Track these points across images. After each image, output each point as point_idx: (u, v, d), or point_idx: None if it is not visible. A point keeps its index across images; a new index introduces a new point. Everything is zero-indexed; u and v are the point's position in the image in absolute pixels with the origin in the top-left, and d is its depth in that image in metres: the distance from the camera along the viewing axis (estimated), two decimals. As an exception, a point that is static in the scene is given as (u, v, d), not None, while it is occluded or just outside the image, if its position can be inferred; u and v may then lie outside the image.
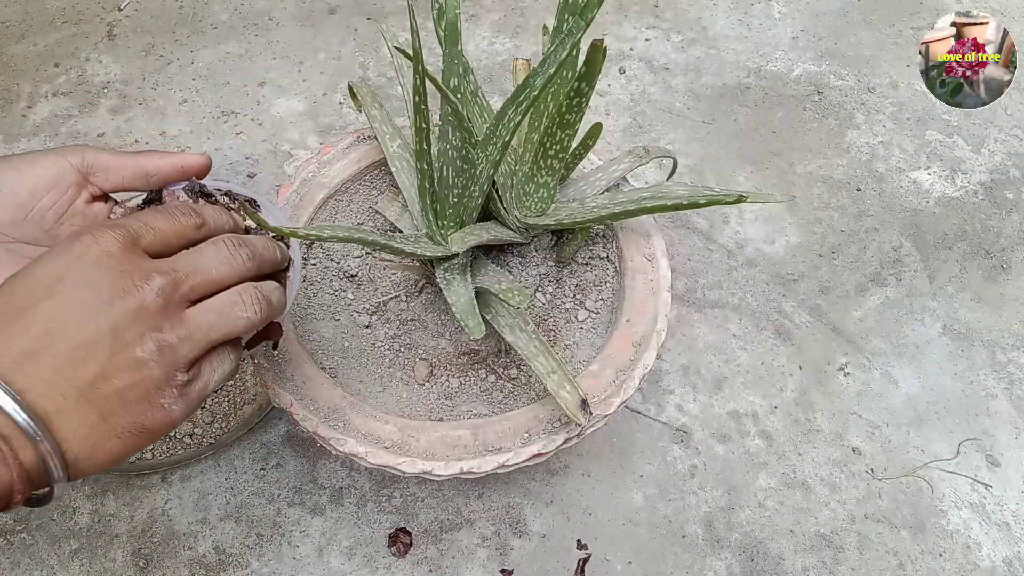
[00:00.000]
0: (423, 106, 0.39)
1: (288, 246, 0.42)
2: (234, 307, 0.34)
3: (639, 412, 0.69)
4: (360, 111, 0.55)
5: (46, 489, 0.30)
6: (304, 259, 0.54)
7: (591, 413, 0.43)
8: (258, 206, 0.43)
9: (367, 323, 0.52)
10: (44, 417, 0.28)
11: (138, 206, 0.42)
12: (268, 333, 0.42)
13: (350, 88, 0.55)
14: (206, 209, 0.36)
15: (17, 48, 0.91)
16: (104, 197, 0.41)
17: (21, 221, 0.37)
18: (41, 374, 0.28)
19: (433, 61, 0.73)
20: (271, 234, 0.41)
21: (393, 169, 0.52)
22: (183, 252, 0.34)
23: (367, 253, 0.55)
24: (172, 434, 0.63)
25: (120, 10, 0.95)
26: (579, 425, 0.43)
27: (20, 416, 0.27)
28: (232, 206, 0.42)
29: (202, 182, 0.43)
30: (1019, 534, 0.65)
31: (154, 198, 0.42)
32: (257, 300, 0.35)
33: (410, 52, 0.37)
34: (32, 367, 0.28)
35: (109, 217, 0.41)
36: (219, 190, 0.43)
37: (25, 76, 0.89)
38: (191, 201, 0.42)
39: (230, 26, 0.94)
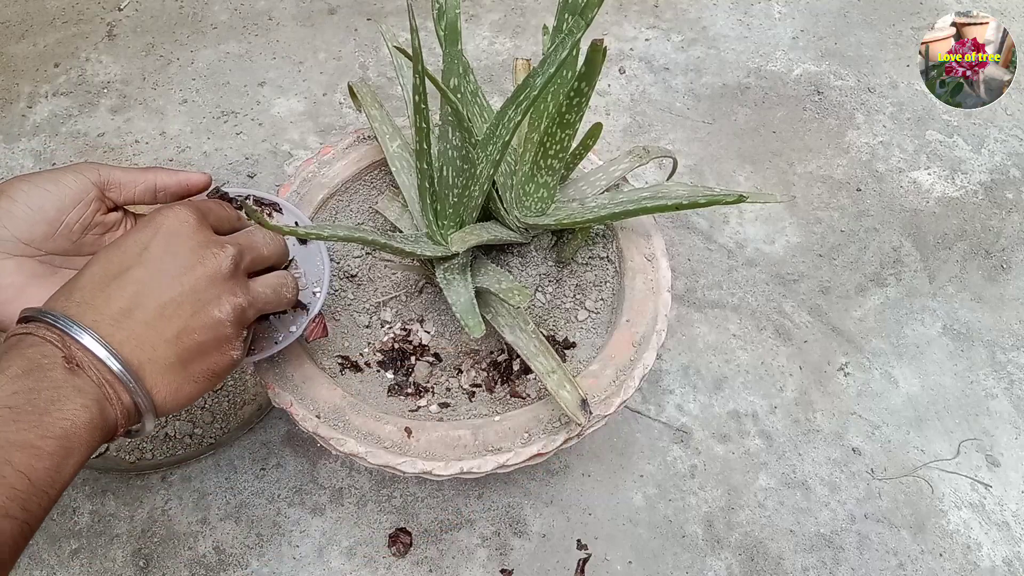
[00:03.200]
0: (423, 106, 0.39)
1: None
2: (282, 288, 0.41)
3: (639, 412, 0.69)
4: (360, 111, 0.55)
5: (138, 425, 0.35)
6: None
7: (591, 413, 0.43)
8: (281, 210, 0.47)
9: (367, 323, 0.52)
10: (137, 367, 0.33)
11: None
12: (324, 329, 0.46)
13: (350, 88, 0.55)
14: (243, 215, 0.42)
15: (17, 48, 0.91)
16: (116, 207, 0.45)
17: (52, 236, 0.41)
18: (134, 329, 0.33)
19: (433, 61, 0.73)
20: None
21: (393, 169, 0.52)
22: (242, 232, 0.40)
23: (367, 253, 0.55)
24: (172, 434, 0.63)
25: (120, 10, 0.95)
26: (579, 425, 0.43)
27: (115, 366, 0.32)
28: (256, 209, 0.46)
29: (225, 189, 0.47)
30: (1019, 534, 0.65)
31: None
32: (295, 286, 0.42)
33: (410, 52, 0.37)
34: (127, 323, 0.33)
35: (123, 224, 0.45)
36: (240, 196, 0.47)
37: (25, 76, 0.89)
38: None
39: (230, 26, 0.94)
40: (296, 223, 0.48)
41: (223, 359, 0.37)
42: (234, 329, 0.36)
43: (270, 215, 0.47)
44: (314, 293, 0.46)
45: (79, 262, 0.43)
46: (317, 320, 0.45)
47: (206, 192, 0.47)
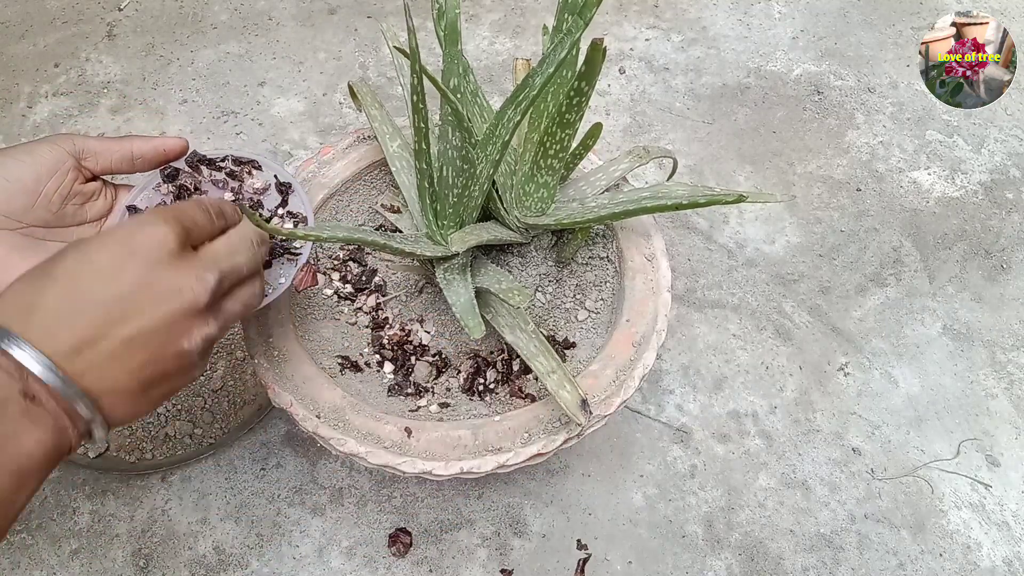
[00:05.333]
0: (421, 106, 0.39)
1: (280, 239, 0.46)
2: (252, 298, 0.39)
3: (639, 412, 0.69)
4: (360, 111, 0.55)
5: (88, 441, 0.34)
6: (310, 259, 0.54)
7: (591, 413, 0.43)
8: (260, 167, 0.48)
9: (367, 323, 0.52)
10: (96, 396, 0.32)
11: (159, 182, 0.47)
12: (314, 278, 0.47)
13: (350, 88, 0.55)
14: (225, 205, 0.40)
15: (17, 48, 0.91)
16: (94, 178, 0.45)
17: (31, 207, 0.41)
18: (95, 360, 0.32)
19: (433, 61, 0.73)
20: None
21: (393, 169, 0.52)
22: (222, 249, 0.37)
23: (367, 253, 0.55)
24: (172, 434, 0.63)
25: (120, 10, 0.95)
26: (579, 425, 0.43)
27: (80, 405, 0.31)
28: (235, 169, 0.47)
29: (203, 152, 0.47)
30: (1019, 534, 0.65)
31: (172, 173, 0.46)
32: (263, 292, 0.41)
33: (408, 52, 0.37)
34: (89, 354, 0.31)
35: (103, 193, 0.45)
36: (217, 156, 0.47)
37: (25, 76, 0.89)
38: (191, 171, 0.47)
39: (230, 26, 0.94)
40: (276, 176, 0.48)
41: (183, 380, 0.36)
42: (200, 357, 0.35)
43: (250, 173, 0.48)
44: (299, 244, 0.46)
45: (62, 234, 0.43)
46: (306, 269, 0.44)
47: (184, 158, 0.47)
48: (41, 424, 0.30)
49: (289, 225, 0.46)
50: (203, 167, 0.48)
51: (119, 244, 0.33)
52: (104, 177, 0.46)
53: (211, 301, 0.35)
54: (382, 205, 0.56)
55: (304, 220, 0.47)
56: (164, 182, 0.47)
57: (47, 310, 0.31)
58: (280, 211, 0.47)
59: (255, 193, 0.47)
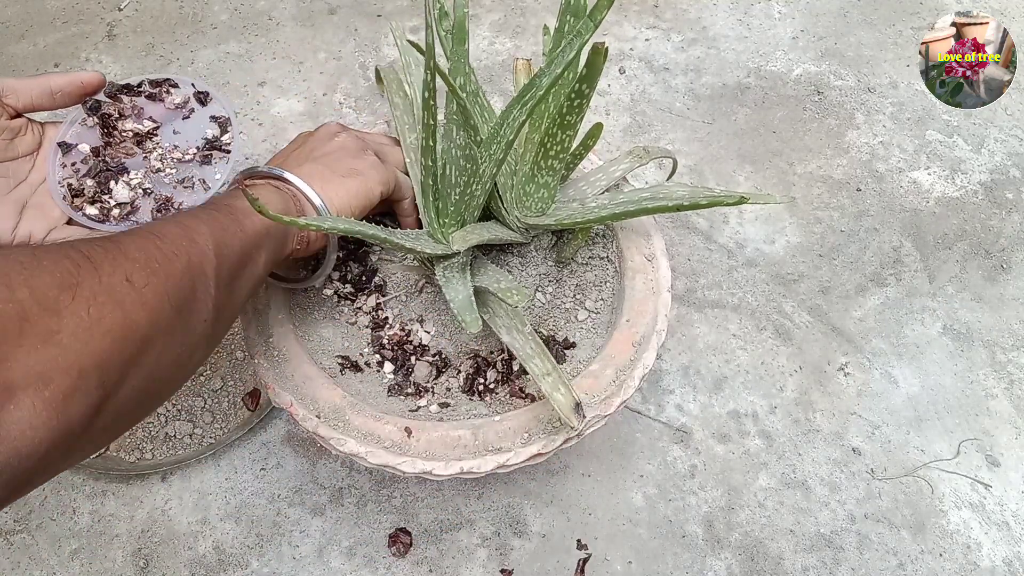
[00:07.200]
0: (432, 102, 0.39)
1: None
2: (402, 183, 0.53)
3: (639, 412, 0.69)
4: (383, 95, 0.57)
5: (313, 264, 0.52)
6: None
7: (585, 416, 0.43)
8: (176, 84, 0.54)
9: (367, 323, 0.52)
10: (319, 189, 0.45)
11: (83, 117, 0.51)
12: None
13: (377, 72, 0.56)
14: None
15: (17, 48, 0.91)
16: (18, 115, 0.48)
17: None
18: (316, 170, 0.47)
19: (433, 61, 0.73)
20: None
21: (408, 161, 0.52)
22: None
23: (367, 253, 0.55)
24: (172, 434, 0.63)
25: (120, 10, 0.95)
26: (573, 428, 0.43)
27: (297, 182, 0.45)
28: (152, 91, 0.53)
29: (122, 83, 0.52)
30: (1019, 534, 0.65)
31: (95, 106, 0.50)
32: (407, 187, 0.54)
33: (422, 47, 0.37)
34: (311, 168, 0.47)
35: (30, 129, 0.49)
36: (134, 83, 0.53)
37: (25, 76, 0.89)
38: (111, 100, 0.51)
39: (230, 26, 0.94)
40: (193, 85, 0.54)
41: (369, 175, 0.48)
42: (373, 168, 0.49)
43: (168, 91, 0.53)
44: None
45: None
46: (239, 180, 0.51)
47: (103, 89, 0.50)
48: (280, 197, 0.44)
49: (215, 128, 0.53)
50: (122, 96, 0.52)
51: (326, 139, 0.51)
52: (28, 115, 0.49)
53: (372, 155, 0.51)
54: None
55: (227, 119, 0.53)
56: (88, 115, 0.50)
57: (287, 161, 0.49)
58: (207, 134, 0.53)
59: (177, 108, 0.53)
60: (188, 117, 0.53)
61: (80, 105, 0.50)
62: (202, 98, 0.53)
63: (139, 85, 0.53)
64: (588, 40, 0.36)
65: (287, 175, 0.45)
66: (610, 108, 0.89)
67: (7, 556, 0.60)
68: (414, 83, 0.54)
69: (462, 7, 0.40)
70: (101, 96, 0.51)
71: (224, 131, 0.52)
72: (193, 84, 0.53)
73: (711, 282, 0.77)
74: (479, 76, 0.90)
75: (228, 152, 0.52)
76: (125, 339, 0.30)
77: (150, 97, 0.53)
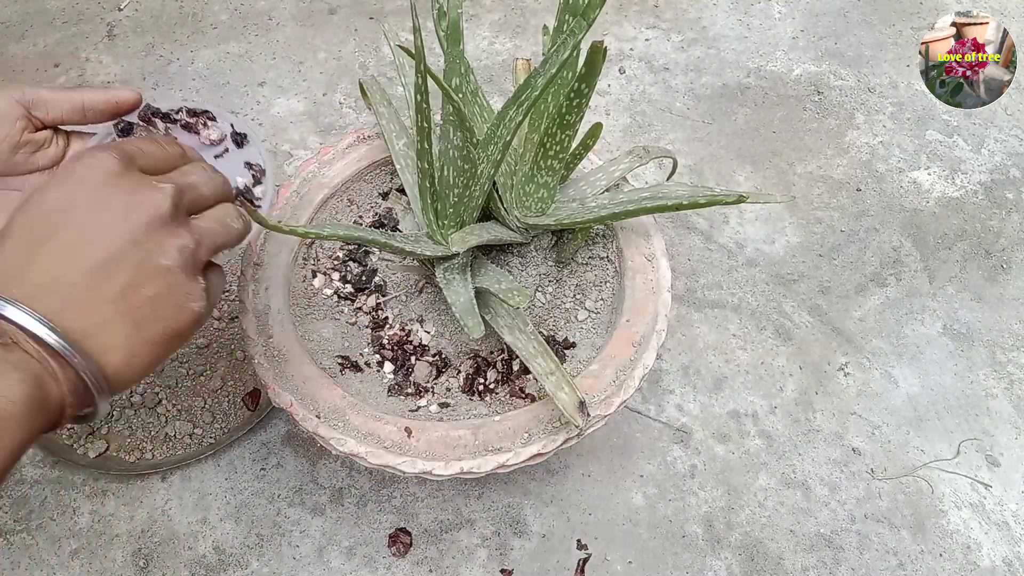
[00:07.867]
0: (425, 105, 0.39)
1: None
2: (227, 219, 0.36)
3: (639, 412, 0.69)
4: (370, 108, 0.55)
5: (89, 408, 0.32)
6: (304, 259, 0.54)
7: (589, 415, 0.43)
8: (215, 118, 0.48)
9: (367, 323, 0.52)
10: (80, 336, 0.30)
11: (113, 137, 0.46)
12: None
13: (360, 86, 0.55)
14: (175, 142, 0.39)
15: (17, 48, 0.91)
16: (45, 126, 0.44)
17: None
18: (72, 294, 0.30)
19: (433, 61, 0.73)
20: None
21: (398, 167, 0.52)
22: (174, 171, 0.36)
23: (367, 253, 0.55)
24: (172, 434, 0.63)
25: (120, 10, 0.95)
26: (577, 427, 0.43)
27: (52, 338, 0.29)
28: (190, 120, 0.47)
29: (156, 105, 0.47)
30: (1019, 534, 0.65)
31: (127, 128, 0.46)
32: (242, 215, 0.37)
33: (412, 50, 0.37)
34: (62, 289, 0.30)
35: (54, 141, 0.44)
36: (172, 109, 0.47)
37: (25, 76, 0.89)
38: (144, 124, 0.46)
39: (230, 26, 0.94)
40: (232, 126, 0.48)
41: (182, 314, 0.32)
42: (186, 275, 0.32)
43: (205, 124, 0.48)
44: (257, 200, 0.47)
45: (13, 182, 0.43)
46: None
47: (137, 111, 0.46)
48: (20, 367, 0.28)
49: (247, 177, 0.47)
50: (157, 120, 0.47)
51: (63, 182, 0.32)
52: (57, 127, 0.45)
53: (173, 210, 0.32)
54: (397, 189, 0.57)
55: (262, 171, 0.47)
56: (118, 137, 0.46)
57: (8, 259, 0.30)
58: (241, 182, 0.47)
59: (212, 144, 0.48)
60: (221, 156, 0.48)
61: (112, 125, 0.47)
62: (239, 140, 0.49)
63: (177, 112, 0.48)
64: (581, 39, 0.36)
65: (46, 336, 0.29)
66: (610, 108, 0.89)
67: (7, 556, 0.60)
68: (408, 84, 0.54)
69: (455, 8, 0.40)
70: (134, 118, 0.47)
71: (257, 182, 0.47)
72: (232, 124, 0.49)
73: (711, 282, 0.77)
74: (479, 76, 0.90)
75: (258, 208, 0.46)
76: None
77: (186, 127, 0.48)
